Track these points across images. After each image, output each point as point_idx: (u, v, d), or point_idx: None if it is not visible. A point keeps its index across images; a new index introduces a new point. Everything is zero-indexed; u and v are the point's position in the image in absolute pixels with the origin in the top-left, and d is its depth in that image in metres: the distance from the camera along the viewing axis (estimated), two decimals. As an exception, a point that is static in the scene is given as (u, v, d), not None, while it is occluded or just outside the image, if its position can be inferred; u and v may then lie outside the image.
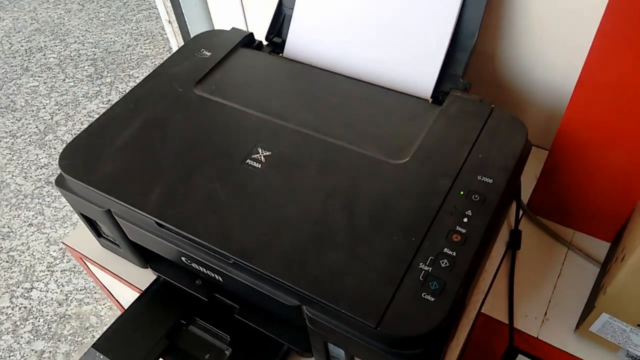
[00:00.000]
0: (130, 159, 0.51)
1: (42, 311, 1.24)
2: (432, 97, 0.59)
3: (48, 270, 1.32)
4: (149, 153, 0.52)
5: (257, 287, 0.44)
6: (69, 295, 1.27)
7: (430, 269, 0.41)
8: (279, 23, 0.68)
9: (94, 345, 0.52)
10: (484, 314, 0.54)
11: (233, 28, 0.68)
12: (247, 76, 0.61)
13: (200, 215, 0.46)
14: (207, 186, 0.48)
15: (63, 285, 1.29)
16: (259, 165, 0.50)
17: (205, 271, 0.48)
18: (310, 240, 0.43)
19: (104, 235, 0.60)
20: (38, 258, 1.35)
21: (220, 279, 0.48)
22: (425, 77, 0.59)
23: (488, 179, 0.47)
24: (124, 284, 0.61)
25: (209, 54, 0.63)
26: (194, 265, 0.49)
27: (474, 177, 0.47)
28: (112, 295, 0.74)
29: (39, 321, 1.22)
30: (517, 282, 0.57)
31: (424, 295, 0.39)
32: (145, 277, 0.59)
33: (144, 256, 0.57)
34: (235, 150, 0.51)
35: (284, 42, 0.67)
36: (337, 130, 0.53)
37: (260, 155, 0.50)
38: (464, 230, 0.43)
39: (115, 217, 0.51)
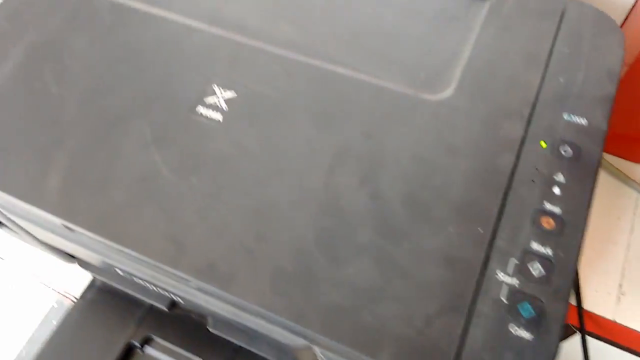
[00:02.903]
0: (8, 113, 0.32)
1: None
2: (468, -14, 0.39)
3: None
4: (39, 103, 0.32)
5: (238, 319, 0.28)
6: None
7: (516, 281, 0.25)
8: None
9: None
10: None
11: None
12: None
13: (131, 210, 0.28)
14: (138, 158, 0.30)
15: None
16: (219, 116, 0.31)
17: (155, 289, 0.32)
18: (316, 242, 0.27)
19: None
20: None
21: (181, 301, 0.32)
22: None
23: (580, 118, 0.30)
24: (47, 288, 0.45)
25: None
26: (136, 281, 0.32)
27: (557, 117, 0.31)
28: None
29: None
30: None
31: (513, 329, 0.24)
32: (77, 277, 0.42)
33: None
34: (177, 92, 0.32)
35: None
36: (337, 50, 0.34)
37: (219, 98, 0.32)
38: (557, 210, 0.27)
39: (3, 212, 0.33)
